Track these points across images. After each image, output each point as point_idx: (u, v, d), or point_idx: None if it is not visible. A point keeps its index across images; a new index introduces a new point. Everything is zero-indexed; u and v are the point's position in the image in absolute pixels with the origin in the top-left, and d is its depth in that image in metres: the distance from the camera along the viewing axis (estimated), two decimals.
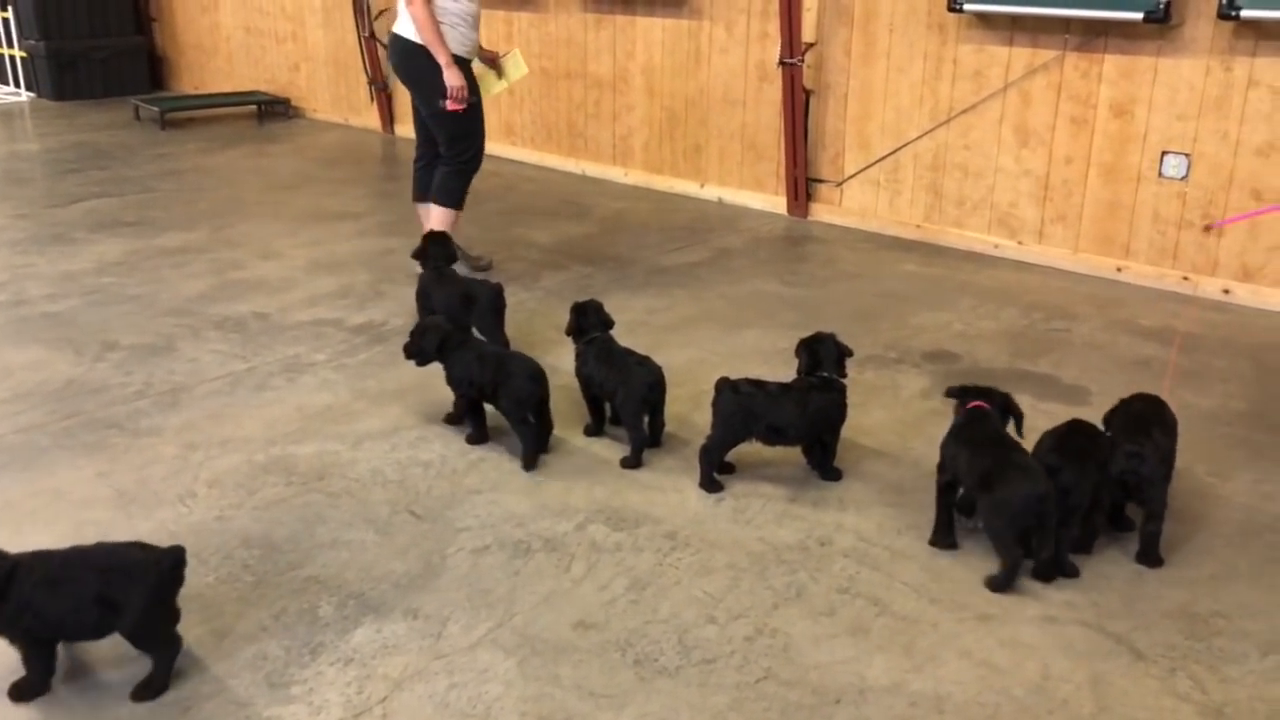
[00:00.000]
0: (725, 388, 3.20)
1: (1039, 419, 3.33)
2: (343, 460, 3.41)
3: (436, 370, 4.12)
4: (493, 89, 5.28)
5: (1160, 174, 5.11)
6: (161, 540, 2.93)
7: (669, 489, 3.25)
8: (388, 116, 9.01)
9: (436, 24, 4.65)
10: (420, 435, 3.58)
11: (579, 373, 3.56)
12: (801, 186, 6.34)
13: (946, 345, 4.45)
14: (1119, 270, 5.32)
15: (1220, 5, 4.65)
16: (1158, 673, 2.44)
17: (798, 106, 6.14)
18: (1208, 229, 3.99)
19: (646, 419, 3.43)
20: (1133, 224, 5.25)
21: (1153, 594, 2.73)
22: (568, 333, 3.65)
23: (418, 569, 2.83)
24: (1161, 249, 5.18)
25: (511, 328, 4.37)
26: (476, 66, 5.06)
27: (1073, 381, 4.05)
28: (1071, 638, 2.56)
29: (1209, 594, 2.74)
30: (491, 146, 8.13)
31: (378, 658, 2.48)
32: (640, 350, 3.55)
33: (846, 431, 3.33)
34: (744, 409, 3.17)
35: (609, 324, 3.63)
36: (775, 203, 6.54)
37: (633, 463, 3.36)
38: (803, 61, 6.04)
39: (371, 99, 9.04)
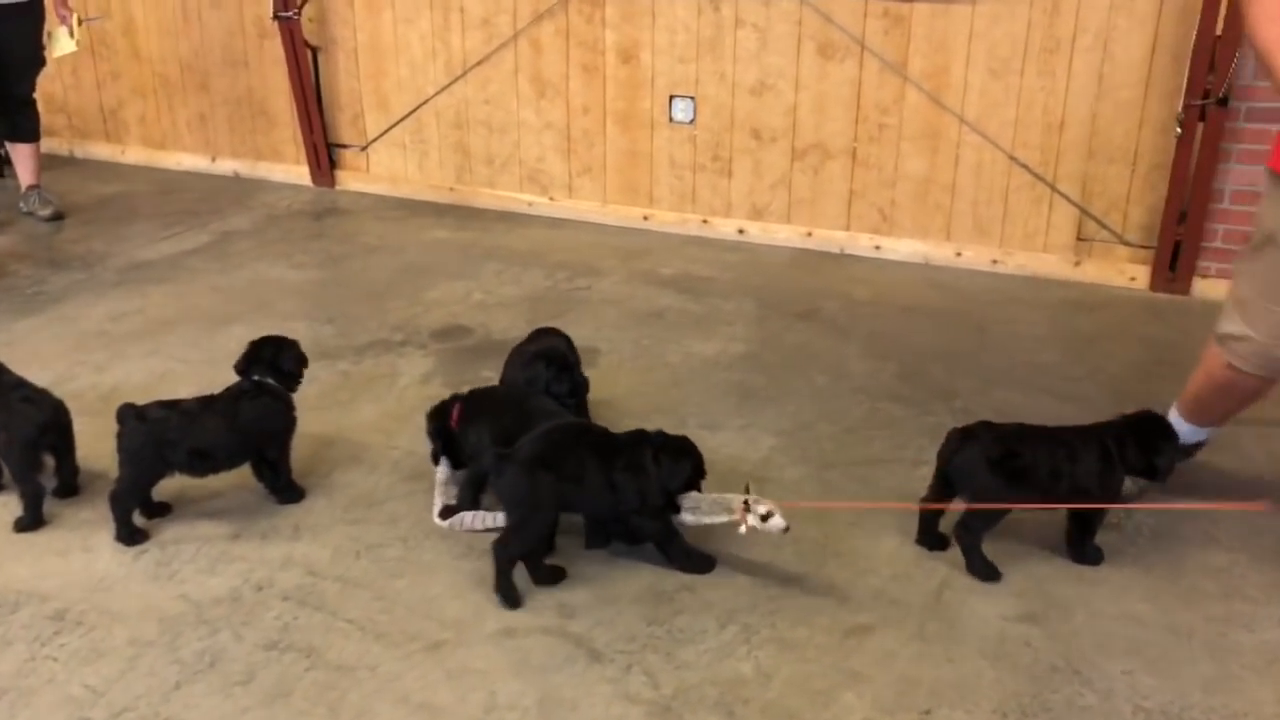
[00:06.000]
0: (129, 416, 2.61)
1: None
2: None
3: None
4: (58, 50, 5.03)
5: (671, 118, 5.09)
6: None
7: (75, 549, 2.61)
8: None
9: None
10: None
11: None
12: (323, 153, 5.74)
13: (462, 319, 4.11)
14: (645, 219, 5.27)
15: None
16: (612, 674, 2.22)
17: (303, 65, 5.50)
18: None
19: (54, 465, 2.76)
20: (653, 172, 5.21)
21: (622, 578, 2.53)
22: None
23: None
24: (681, 194, 5.19)
25: None
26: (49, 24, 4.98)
27: (584, 343, 3.85)
28: (527, 651, 2.29)
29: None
30: None
31: None
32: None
33: (323, 436, 2.86)
34: (154, 439, 2.59)
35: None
36: (299, 173, 5.88)
37: (28, 523, 2.68)
38: (299, 15, 5.40)
39: None
